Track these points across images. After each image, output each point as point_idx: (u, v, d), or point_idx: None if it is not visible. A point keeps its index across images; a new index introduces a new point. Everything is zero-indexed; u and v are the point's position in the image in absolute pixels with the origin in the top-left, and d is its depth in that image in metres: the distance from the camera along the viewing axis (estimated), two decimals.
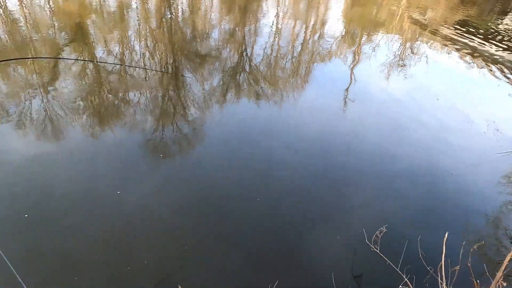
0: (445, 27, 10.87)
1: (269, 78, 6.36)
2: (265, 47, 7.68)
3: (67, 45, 6.38)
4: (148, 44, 7.09)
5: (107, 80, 5.39)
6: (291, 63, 7.23)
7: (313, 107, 5.50)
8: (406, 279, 2.36)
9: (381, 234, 2.61)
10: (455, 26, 11.03)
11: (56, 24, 7.39)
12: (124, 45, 6.81)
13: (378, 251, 2.55)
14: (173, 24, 8.54)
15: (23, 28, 6.85)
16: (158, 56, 6.66)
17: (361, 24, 10.90)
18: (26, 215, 2.82)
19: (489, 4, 17.01)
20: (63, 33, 6.97)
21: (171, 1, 9.97)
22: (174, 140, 4.23)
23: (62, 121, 4.18)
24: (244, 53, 7.26)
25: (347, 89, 6.23)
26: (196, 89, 5.43)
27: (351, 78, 6.70)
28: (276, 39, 8.34)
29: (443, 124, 5.34)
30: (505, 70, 7.73)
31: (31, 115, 4.18)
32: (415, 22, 11.43)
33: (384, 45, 8.80)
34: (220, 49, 7.21)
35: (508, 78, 7.39)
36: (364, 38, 9.41)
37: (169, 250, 2.81)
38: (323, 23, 10.39)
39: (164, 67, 6.18)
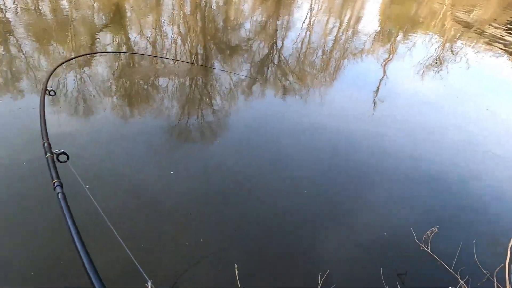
0: (493, 27, 10.13)
1: (298, 73, 6.29)
2: (296, 41, 7.58)
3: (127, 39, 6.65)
4: (182, 32, 7.23)
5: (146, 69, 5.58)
6: (321, 59, 7.09)
7: (340, 105, 5.37)
8: (462, 282, 2.32)
9: (432, 234, 2.58)
10: (507, 26, 10.25)
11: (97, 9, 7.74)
12: (158, 34, 7.00)
13: (429, 251, 2.51)
14: (206, 14, 8.65)
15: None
16: (188, 45, 6.79)
17: (399, 22, 10.43)
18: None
19: None
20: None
21: None
22: (197, 128, 4.30)
23: (96, 101, 4.39)
24: (274, 46, 7.22)
25: (377, 89, 6.02)
26: (224, 79, 5.48)
27: (382, 78, 6.47)
28: (308, 33, 8.21)
29: (481, 131, 5.02)
30: None
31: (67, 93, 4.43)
32: (459, 21, 10.75)
33: (421, 45, 8.38)
34: (250, 41, 7.21)
35: None
36: (400, 37, 9.01)
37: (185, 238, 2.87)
38: (358, 20, 10.07)
39: (194, 57, 6.28)
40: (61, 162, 1.63)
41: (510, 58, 7.91)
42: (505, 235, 2.97)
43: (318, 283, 2.30)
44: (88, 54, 5.43)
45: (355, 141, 4.52)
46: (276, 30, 8.21)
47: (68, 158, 1.65)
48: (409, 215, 3.35)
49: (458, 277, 2.33)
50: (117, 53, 5.66)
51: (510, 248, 2.20)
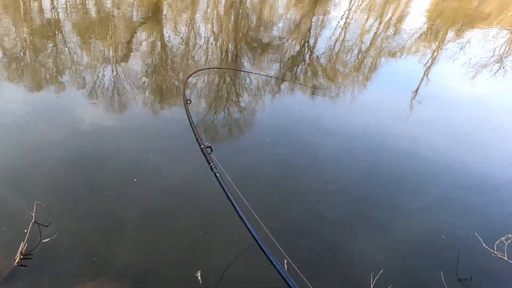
0: None
1: (329, 72, 5.93)
2: (331, 39, 7.19)
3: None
4: (214, 31, 7.24)
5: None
6: (356, 58, 6.62)
7: (373, 106, 4.93)
8: None
9: (509, 241, 2.51)
10: None
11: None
12: (194, 28, 7.07)
13: (505, 258, 2.45)
14: (240, 11, 8.60)
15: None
16: (220, 42, 6.75)
17: (453, 19, 9.40)
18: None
19: None
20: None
21: None
22: (224, 124, 4.17)
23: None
24: (307, 44, 6.91)
25: (416, 90, 5.44)
26: (253, 77, 5.29)
27: (422, 79, 5.83)
28: (343, 32, 7.75)
29: None
30: None
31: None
32: None
33: (476, 43, 7.44)
34: (284, 38, 6.98)
35: None
36: (451, 35, 8.10)
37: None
38: (402, 18, 9.28)
39: (224, 54, 6.17)
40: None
41: None
42: None
43: (371, 283, 2.25)
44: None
45: (406, 143, 4.11)
46: (311, 28, 7.88)
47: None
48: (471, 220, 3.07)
49: None
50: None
51: None
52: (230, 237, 2.59)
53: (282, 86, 5.20)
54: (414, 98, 5.20)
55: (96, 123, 3.79)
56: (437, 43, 7.50)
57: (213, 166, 2.34)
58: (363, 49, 7.01)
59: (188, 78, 4.67)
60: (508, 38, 7.85)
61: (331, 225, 2.88)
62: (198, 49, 6.23)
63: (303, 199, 3.12)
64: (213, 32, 7.17)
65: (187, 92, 4.47)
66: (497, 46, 7.40)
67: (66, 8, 7.28)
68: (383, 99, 5.14)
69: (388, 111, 4.78)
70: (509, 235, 2.48)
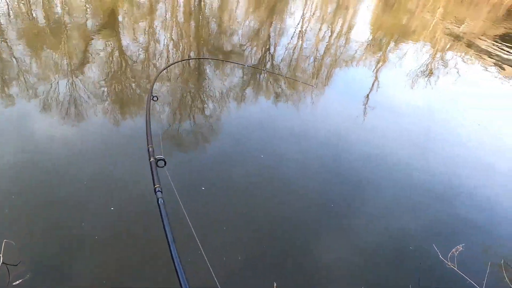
0: (483, 40, 10.32)
1: (289, 79, 6.27)
2: (288, 47, 7.59)
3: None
4: (174, 38, 7.17)
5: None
6: (313, 65, 7.10)
7: (331, 111, 5.35)
8: None
9: (458, 252, 2.55)
10: (495, 40, 10.45)
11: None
12: (152, 36, 6.94)
13: (455, 268, 2.48)
14: (200, 18, 8.63)
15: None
16: (181, 50, 6.74)
17: (391, 32, 10.55)
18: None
19: None
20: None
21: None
22: (188, 132, 4.20)
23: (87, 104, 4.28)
24: (267, 52, 7.21)
25: (367, 96, 6.02)
26: (216, 84, 5.41)
27: (373, 85, 6.48)
28: (300, 40, 8.23)
29: (472, 142, 5.04)
30: None
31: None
32: (450, 33, 10.93)
33: (412, 54, 8.47)
34: (244, 45, 7.18)
35: None
36: (391, 46, 9.10)
37: None
38: (350, 28, 10.16)
39: (186, 64, 6.21)
40: (159, 167, 1.84)
41: (498, 71, 8.02)
42: None
43: None
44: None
45: (364, 148, 4.46)
46: (270, 36, 8.23)
47: (165, 164, 1.85)
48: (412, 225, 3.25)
49: None
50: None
51: None
52: None
53: (247, 92, 5.40)
54: (366, 104, 5.75)
55: (46, 138, 3.58)
56: (381, 53, 8.37)
57: (157, 189, 1.66)
58: (319, 57, 7.55)
59: (159, 74, 4.54)
60: (432, 52, 9.06)
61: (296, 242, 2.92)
62: (159, 57, 6.16)
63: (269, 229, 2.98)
64: (173, 39, 7.10)
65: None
66: (426, 59, 8.50)
67: (9, 15, 6.63)
68: (339, 106, 5.58)
69: (344, 117, 5.23)
70: (459, 246, 2.57)
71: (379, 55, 8.21)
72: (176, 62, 5.61)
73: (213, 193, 3.18)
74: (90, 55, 5.62)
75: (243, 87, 5.55)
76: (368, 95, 6.04)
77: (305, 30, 9.16)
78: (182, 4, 9.54)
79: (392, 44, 9.33)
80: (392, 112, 5.62)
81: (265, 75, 6.22)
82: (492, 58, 8.67)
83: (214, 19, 8.91)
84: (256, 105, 5.19)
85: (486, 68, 8.15)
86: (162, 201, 1.56)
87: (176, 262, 1.24)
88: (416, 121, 5.43)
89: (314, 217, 3.21)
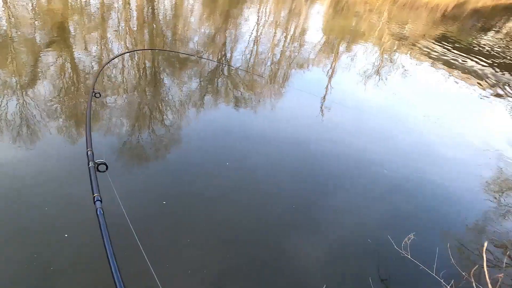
0: (425, 40, 11.17)
1: (248, 83, 6.33)
2: (245, 52, 7.67)
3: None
4: (129, 47, 6.93)
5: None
6: (271, 69, 7.23)
7: (291, 111, 5.48)
8: (445, 284, 2.41)
9: (410, 240, 2.66)
10: (435, 40, 11.36)
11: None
12: (104, 45, 6.65)
13: (409, 257, 2.59)
14: (154, 26, 8.44)
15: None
16: (137, 59, 6.53)
17: (342, 34, 11.08)
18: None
19: (471, 20, 17.69)
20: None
21: (153, 3, 9.89)
22: (149, 142, 4.06)
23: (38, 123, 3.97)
24: (224, 58, 7.22)
25: (324, 96, 6.24)
26: (174, 92, 5.30)
27: (328, 87, 6.73)
28: (256, 45, 8.35)
29: (420, 133, 5.40)
30: (484, 84, 7.94)
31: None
32: (395, 35, 11.71)
33: (362, 56, 8.94)
34: (201, 52, 7.13)
35: (484, 91, 7.59)
36: (343, 48, 9.55)
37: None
38: (303, 32, 10.51)
39: (142, 70, 6.04)
40: (100, 171, 1.69)
41: (438, 68, 8.71)
42: (474, 238, 3.12)
43: None
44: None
45: (314, 149, 4.58)
46: (226, 42, 8.25)
47: (107, 168, 1.70)
48: (373, 220, 3.38)
49: (442, 281, 2.43)
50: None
51: (485, 251, 2.33)
52: None
53: (206, 98, 5.36)
54: (323, 104, 5.97)
55: None
56: (333, 55, 8.74)
57: (96, 198, 1.46)
58: (275, 60, 7.71)
59: (103, 67, 4.31)
60: (381, 53, 9.64)
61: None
62: (113, 68, 5.93)
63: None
64: (128, 48, 6.87)
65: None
66: (375, 58, 9.03)
67: None
68: (298, 105, 5.75)
69: (305, 117, 5.40)
70: (411, 235, 2.69)
71: (332, 56, 8.57)
72: (119, 55, 5.37)
73: (167, 202, 3.05)
74: (37, 63, 5.24)
75: (200, 87, 5.51)
76: (325, 95, 6.26)
77: (260, 34, 9.33)
78: (135, 11, 9.28)
79: (344, 45, 9.79)
80: (348, 109, 5.87)
81: (222, 71, 6.23)
82: (431, 57, 9.41)
83: (169, 26, 8.77)
84: (218, 108, 5.16)
85: (428, 65, 8.83)
86: (101, 212, 1.40)
87: (116, 278, 1.09)
88: (370, 117, 5.71)
89: (278, 216, 3.25)
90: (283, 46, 8.87)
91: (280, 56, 8.03)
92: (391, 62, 8.94)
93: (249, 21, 10.35)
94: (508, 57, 10.24)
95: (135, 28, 8.14)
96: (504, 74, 8.79)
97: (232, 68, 6.80)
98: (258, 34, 9.33)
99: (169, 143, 4.13)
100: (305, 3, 13.66)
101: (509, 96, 7.53)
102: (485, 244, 2.36)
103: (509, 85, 8.00)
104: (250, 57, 7.65)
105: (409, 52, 9.80)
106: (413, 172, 4.31)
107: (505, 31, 13.92)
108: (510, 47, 11.59)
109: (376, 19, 13.95)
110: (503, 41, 12.52)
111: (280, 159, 4.15)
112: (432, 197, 3.93)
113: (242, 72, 6.73)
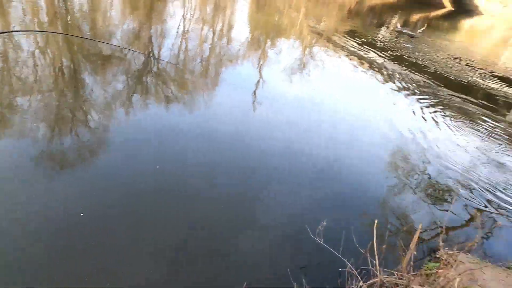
0: (337, 35, 12.38)
1: (178, 80, 6.31)
2: (173, 49, 7.56)
3: None
4: (40, 45, 6.23)
5: None
6: (201, 65, 7.29)
7: (223, 109, 5.66)
8: (348, 264, 2.69)
9: (322, 228, 2.83)
10: (345, 35, 12.67)
11: None
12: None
13: (322, 242, 2.77)
14: (69, 22, 7.69)
15: None
16: (50, 56, 5.95)
17: (266, 30, 11.61)
18: None
19: (369, 17, 20.01)
20: None
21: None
22: (73, 147, 3.86)
23: None
24: (151, 55, 7.02)
25: (254, 92, 6.57)
26: (99, 92, 5.04)
27: (258, 81, 7.10)
28: (184, 41, 8.28)
29: (341, 121, 6.14)
30: (385, 72, 9.23)
31: None
32: (313, 30, 12.73)
33: (287, 50, 9.56)
34: (126, 49, 6.79)
35: (385, 79, 8.84)
36: (269, 43, 10.06)
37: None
38: (230, 27, 10.72)
39: (58, 68, 5.55)
40: None
41: (356, 61, 9.84)
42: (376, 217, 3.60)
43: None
44: None
45: (240, 142, 4.85)
46: (152, 37, 7.99)
47: None
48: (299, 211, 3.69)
49: (345, 260, 2.73)
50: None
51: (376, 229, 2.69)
52: None
53: (133, 99, 5.21)
54: (255, 99, 6.29)
55: None
56: (261, 50, 9.17)
57: None
58: (205, 57, 7.78)
59: None
60: (302, 48, 10.44)
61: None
62: (23, 66, 5.34)
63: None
64: (39, 46, 6.18)
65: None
66: (298, 53, 9.75)
67: None
68: (231, 102, 5.92)
69: (240, 113, 5.64)
70: (324, 222, 2.84)
71: (259, 52, 8.98)
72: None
73: (85, 214, 3.00)
74: None
75: (126, 84, 5.33)
76: (255, 90, 6.61)
77: (188, 29, 9.24)
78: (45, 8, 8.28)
79: (269, 41, 10.30)
80: (277, 103, 6.32)
81: (150, 66, 6.10)
82: (344, 50, 10.56)
83: (87, 21, 8.08)
84: (147, 107, 5.08)
85: (342, 58, 9.89)
86: None
87: None
88: (297, 109, 6.26)
89: (207, 214, 3.41)
90: (211, 41, 8.95)
91: (210, 52, 8.13)
92: (311, 56, 9.75)
93: (175, 16, 10.12)
94: (395, 50, 12.01)
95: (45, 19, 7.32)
96: (395, 64, 10.36)
97: (162, 62, 6.67)
98: (186, 29, 9.23)
99: (91, 148, 3.97)
100: None
101: (399, 84, 8.92)
102: (376, 222, 2.66)
103: (400, 75, 9.47)
104: (179, 52, 7.58)
105: (325, 47, 10.81)
106: (333, 161, 4.88)
107: (391, 28, 16.26)
108: (399, 41, 13.58)
109: (296, 15, 14.89)
110: (391, 35, 14.59)
111: (211, 156, 4.29)
112: (345, 183, 4.45)
113: (172, 67, 6.66)
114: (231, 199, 3.67)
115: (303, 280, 2.66)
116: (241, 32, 10.46)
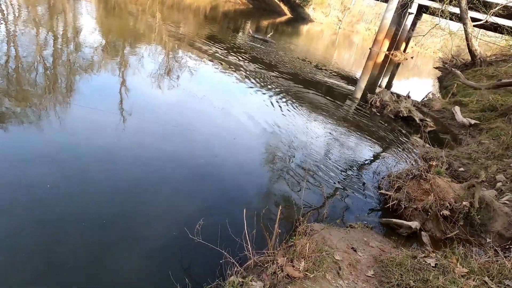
0: (198, 40, 12.48)
1: (16, 95, 5.02)
2: (1, 58, 5.97)
3: None
4: None
5: None
6: (45, 76, 6.01)
7: (86, 124, 4.83)
8: (225, 253, 2.87)
9: (200, 226, 2.96)
10: (206, 39, 12.90)
11: None
12: None
13: (202, 240, 2.90)
14: None
15: None
16: None
17: (122, 35, 10.62)
18: None
19: (224, 23, 21.13)
20: None
21: None
22: None
23: None
24: None
25: (121, 102, 5.88)
26: None
27: (121, 91, 6.38)
28: (13, 47, 6.66)
29: (214, 122, 6.14)
30: (246, 74, 9.84)
31: None
32: (173, 35, 12.41)
33: (149, 56, 8.99)
34: None
35: (249, 81, 9.44)
36: (128, 49, 9.22)
37: None
38: (77, 32, 9.29)
39: None
40: None
41: (218, 64, 10.08)
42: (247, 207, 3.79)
43: None
44: None
45: (115, 156, 4.28)
46: None
47: None
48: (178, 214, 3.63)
49: (223, 251, 2.89)
50: None
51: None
52: None
53: None
54: (122, 110, 5.61)
55: None
56: (119, 57, 8.28)
57: None
58: (49, 65, 6.46)
59: None
60: (166, 53, 10.07)
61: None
62: None
63: None
64: None
65: None
66: (162, 59, 9.31)
67: None
68: (92, 116, 5.10)
69: (104, 127, 4.93)
70: (201, 221, 3.02)
71: (118, 58, 8.11)
72: None
73: None
74: None
75: None
76: (121, 101, 5.91)
77: (15, 33, 7.48)
78: None
79: (128, 47, 9.43)
80: (149, 112, 5.83)
81: None
82: (206, 53, 10.74)
83: None
84: None
85: (205, 61, 10.03)
86: None
87: None
88: (172, 115, 5.95)
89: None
90: (53, 48, 7.51)
91: (55, 61, 6.80)
92: (176, 60, 9.48)
93: None
94: (250, 53, 13.17)
95: None
96: (253, 65, 11.29)
97: None
98: (12, 32, 7.43)
99: None
100: (66, 0, 11.93)
101: (254, 83, 9.76)
102: (245, 211, 2.93)
103: (255, 73, 10.38)
104: (7, 62, 6.05)
105: (189, 51, 10.72)
106: (209, 159, 4.91)
107: (246, 33, 17.78)
108: (254, 44, 14.92)
109: (151, 20, 14.23)
110: (246, 39, 15.92)
111: (75, 181, 3.73)
112: (218, 180, 4.52)
113: (4, 81, 5.25)
114: (106, 218, 3.15)
115: (186, 280, 2.71)
116: (92, 37, 9.20)
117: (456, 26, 24.68)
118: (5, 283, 2.49)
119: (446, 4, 19.17)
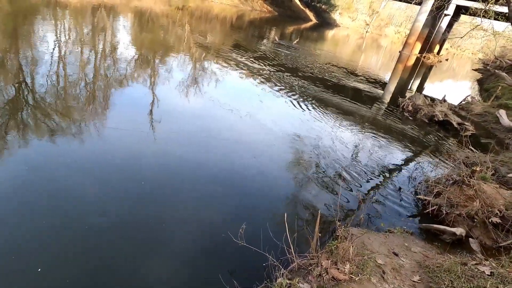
0: (224, 48, 13.10)
1: (62, 110, 5.75)
2: (49, 75, 6.84)
3: None
4: None
5: None
6: (86, 90, 6.79)
7: (119, 133, 5.43)
8: (269, 257, 2.96)
9: (243, 230, 3.01)
10: (232, 48, 13.49)
11: None
12: None
13: (245, 244, 2.97)
14: None
15: None
16: None
17: (154, 48, 11.47)
18: None
19: (250, 31, 21.71)
20: None
21: None
22: None
23: None
24: (24, 84, 6.22)
25: (151, 112, 6.47)
26: None
27: (153, 100, 7.02)
28: (62, 66, 7.57)
29: (242, 131, 6.57)
30: (272, 82, 10.23)
31: None
32: (200, 45, 13.15)
33: (178, 66, 9.68)
34: None
35: (274, 88, 9.82)
36: (158, 61, 9.99)
37: None
38: (115, 48, 10.23)
39: None
40: None
41: (243, 72, 10.58)
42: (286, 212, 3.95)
43: None
44: None
45: (151, 163, 4.75)
46: (22, 65, 7.04)
47: None
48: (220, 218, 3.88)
49: (267, 254, 2.98)
50: None
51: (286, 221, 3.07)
52: None
53: (8, 138, 4.58)
54: (152, 119, 6.20)
55: None
56: (151, 69, 9.04)
57: None
58: (89, 80, 7.27)
59: None
60: (193, 62, 10.73)
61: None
62: None
63: None
64: None
65: None
66: (190, 68, 9.99)
67: None
68: (127, 124, 5.68)
69: (137, 136, 5.46)
70: (244, 225, 3.04)
71: (149, 70, 8.86)
72: None
73: None
74: None
75: None
76: (151, 110, 6.52)
77: (66, 54, 8.45)
78: None
79: (158, 58, 10.22)
80: (176, 120, 6.39)
81: (25, 99, 5.42)
82: (233, 61, 11.28)
83: None
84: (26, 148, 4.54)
85: (232, 69, 10.56)
86: None
87: None
88: (198, 123, 6.44)
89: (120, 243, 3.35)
90: (94, 64, 8.40)
91: (94, 76, 7.63)
92: (203, 69, 10.10)
93: (47, 40, 9.11)
94: (277, 60, 13.53)
95: None
96: (279, 72, 11.66)
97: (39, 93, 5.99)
98: (62, 53, 8.41)
99: None
100: (107, 18, 13.08)
101: (283, 90, 10.10)
102: (286, 215, 3.06)
103: (279, 78, 10.72)
104: (58, 78, 6.90)
105: (215, 59, 11.34)
106: (237, 166, 5.24)
107: (271, 40, 18.21)
108: (276, 52, 15.30)
109: (181, 31, 15.10)
110: (272, 46, 16.33)
111: (118, 186, 4.17)
112: (254, 185, 4.78)
113: (52, 96, 6.05)
114: (141, 220, 3.63)
115: (235, 282, 2.83)
116: (127, 51, 10.09)
117: (501, 26, 23.30)
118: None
119: (491, 3, 18.17)
